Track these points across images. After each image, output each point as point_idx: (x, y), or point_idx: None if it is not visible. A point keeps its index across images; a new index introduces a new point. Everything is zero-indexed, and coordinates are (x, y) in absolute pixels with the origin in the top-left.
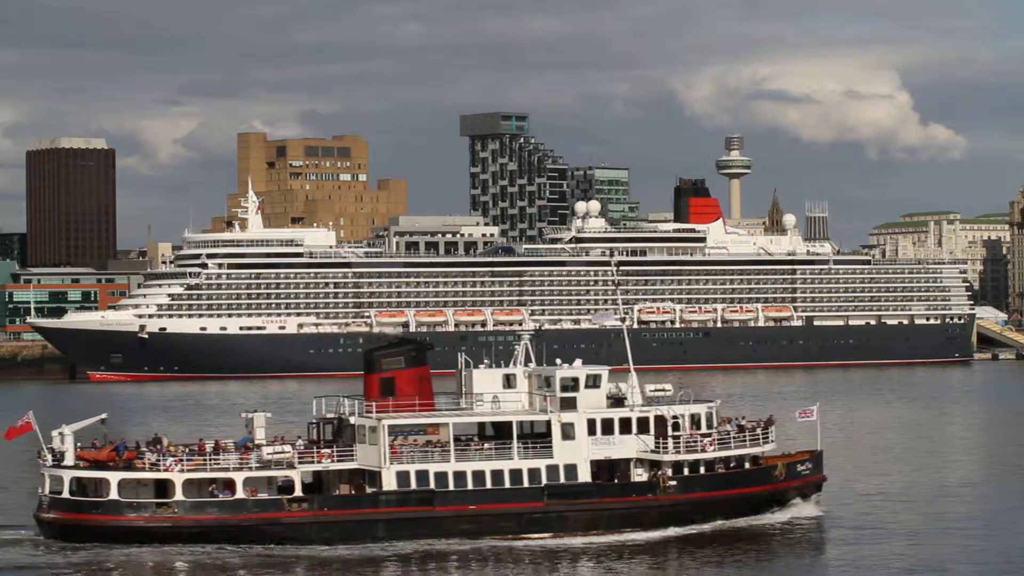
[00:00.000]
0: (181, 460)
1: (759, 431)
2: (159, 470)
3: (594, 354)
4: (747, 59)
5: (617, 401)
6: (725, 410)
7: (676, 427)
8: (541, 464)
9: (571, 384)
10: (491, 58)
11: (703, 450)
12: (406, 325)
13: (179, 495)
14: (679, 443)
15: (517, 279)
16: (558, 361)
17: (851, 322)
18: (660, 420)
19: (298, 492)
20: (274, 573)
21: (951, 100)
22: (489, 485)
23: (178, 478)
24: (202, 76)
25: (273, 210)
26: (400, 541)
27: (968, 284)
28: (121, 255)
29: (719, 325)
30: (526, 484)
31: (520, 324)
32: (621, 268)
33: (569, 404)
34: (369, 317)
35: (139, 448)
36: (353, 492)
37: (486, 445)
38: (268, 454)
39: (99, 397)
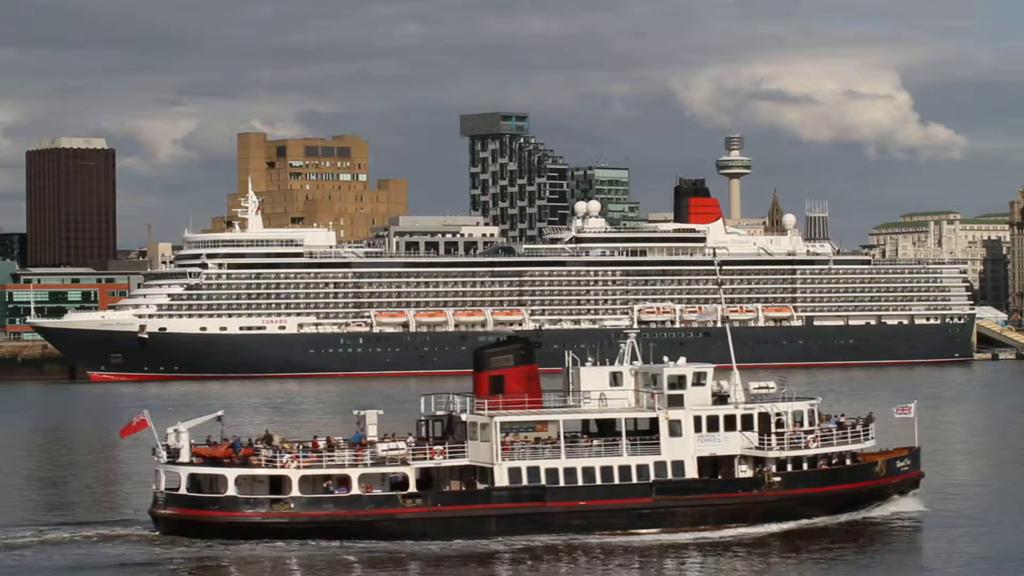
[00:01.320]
0: (297, 456)
1: (859, 428)
2: (275, 466)
3: (595, 354)
4: (746, 59)
5: (720, 398)
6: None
7: (780, 424)
8: (649, 460)
9: (678, 382)
10: (491, 58)
11: (806, 447)
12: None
13: (295, 491)
14: (783, 440)
15: (517, 279)
16: (665, 359)
17: (851, 322)
18: (764, 417)
19: (412, 488)
20: (389, 569)
21: (951, 100)
22: (599, 481)
23: (294, 474)
24: (201, 76)
25: (273, 210)
26: (511, 536)
27: (968, 284)
28: (121, 255)
29: (719, 325)
30: (635, 480)
31: (520, 324)
32: (621, 269)
33: (676, 401)
34: (369, 317)
35: (252, 444)
36: (463, 488)
37: (595, 442)
38: (383, 451)
39: (99, 397)
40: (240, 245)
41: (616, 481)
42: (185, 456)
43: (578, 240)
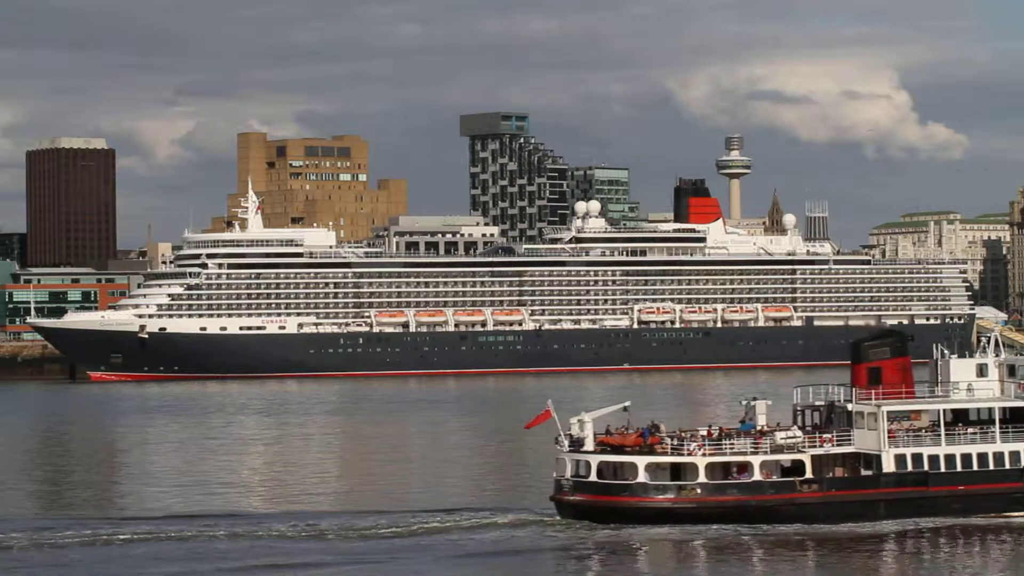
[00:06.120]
0: (703, 445)
1: None
2: (683, 454)
3: (594, 354)
4: (744, 59)
5: None
6: None
7: None
8: (1020, 447)
9: None
10: (490, 58)
11: None
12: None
13: (702, 478)
14: None
15: (517, 279)
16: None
17: (851, 322)
18: None
19: (808, 474)
20: (788, 551)
21: (950, 100)
22: (975, 467)
23: (701, 462)
24: (200, 76)
25: (273, 210)
26: (897, 519)
27: (968, 284)
28: (121, 255)
29: (719, 325)
30: (1007, 466)
31: (520, 324)
32: (621, 269)
33: None
34: (369, 317)
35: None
36: (847, 474)
37: (969, 430)
38: (781, 439)
39: (99, 397)
40: (240, 245)
41: (991, 467)
42: (590, 445)
43: (578, 240)
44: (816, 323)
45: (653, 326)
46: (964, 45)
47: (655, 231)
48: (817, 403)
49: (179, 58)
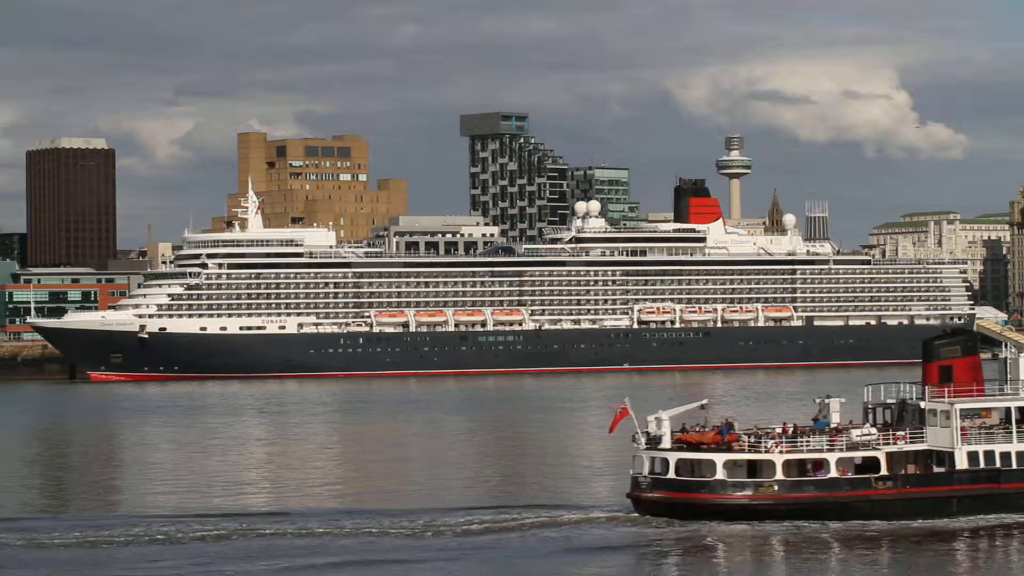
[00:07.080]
0: (780, 442)
1: None
2: (760, 451)
3: (594, 354)
4: (744, 59)
5: None
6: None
7: None
8: None
9: None
10: (490, 58)
11: None
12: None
13: (779, 475)
14: None
15: (517, 279)
16: None
17: (851, 322)
18: None
19: (884, 471)
20: (865, 546)
21: (949, 100)
22: None
23: (778, 459)
24: (200, 76)
25: (273, 210)
26: (969, 515)
27: (968, 284)
28: (121, 255)
29: (719, 325)
30: None
31: (520, 324)
32: (621, 269)
33: None
34: (369, 317)
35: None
36: (920, 471)
37: None
38: (857, 436)
39: (99, 397)
40: (240, 245)
41: None
42: (667, 442)
43: (578, 240)
44: (816, 323)
45: (653, 326)
46: (964, 45)
47: (655, 231)
48: (888, 401)
49: (179, 58)
